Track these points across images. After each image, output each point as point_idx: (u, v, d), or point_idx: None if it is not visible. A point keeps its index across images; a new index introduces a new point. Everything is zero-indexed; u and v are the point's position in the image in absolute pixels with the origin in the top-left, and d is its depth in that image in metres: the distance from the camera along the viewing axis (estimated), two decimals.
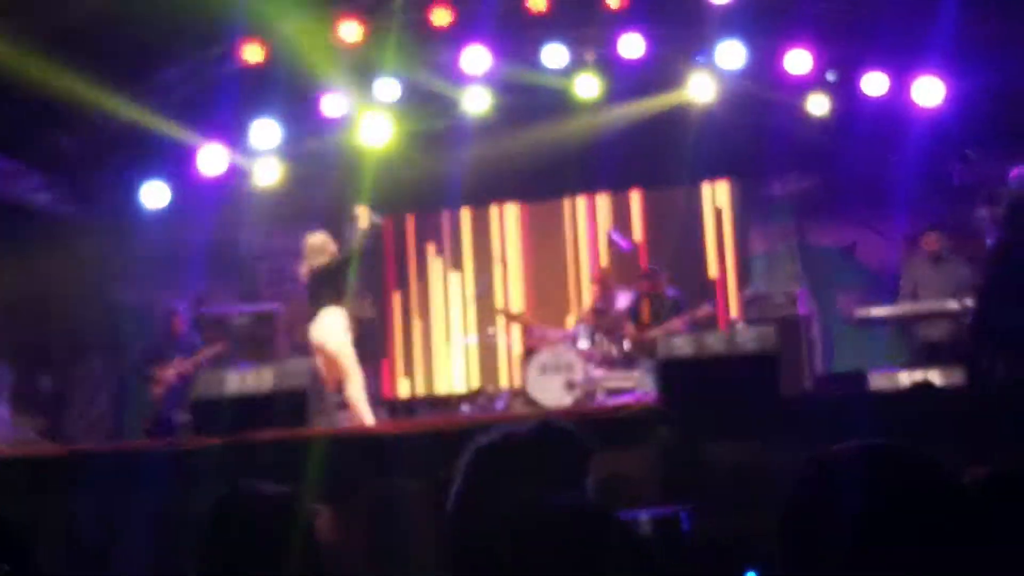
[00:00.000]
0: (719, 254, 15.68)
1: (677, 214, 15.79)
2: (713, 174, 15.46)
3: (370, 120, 14.00)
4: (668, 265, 14.04)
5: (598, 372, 12.66)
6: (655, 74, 14.15)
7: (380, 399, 15.09)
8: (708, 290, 15.17)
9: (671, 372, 8.46)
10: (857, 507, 1.83)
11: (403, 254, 16.57)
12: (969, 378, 8.52)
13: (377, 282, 16.22)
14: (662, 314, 12.99)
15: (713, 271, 15.62)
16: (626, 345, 13.01)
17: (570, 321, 15.14)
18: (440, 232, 16.55)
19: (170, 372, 13.27)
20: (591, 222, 16.08)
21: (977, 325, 8.53)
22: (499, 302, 15.58)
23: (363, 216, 11.17)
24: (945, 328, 11.73)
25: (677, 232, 15.72)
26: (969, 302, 9.59)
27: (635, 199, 15.99)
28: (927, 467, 1.89)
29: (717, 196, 15.81)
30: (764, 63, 13.78)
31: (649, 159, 15.07)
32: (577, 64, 14.09)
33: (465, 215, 16.45)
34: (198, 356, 13.27)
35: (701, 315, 13.04)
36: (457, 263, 16.44)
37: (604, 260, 15.55)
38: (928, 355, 11.74)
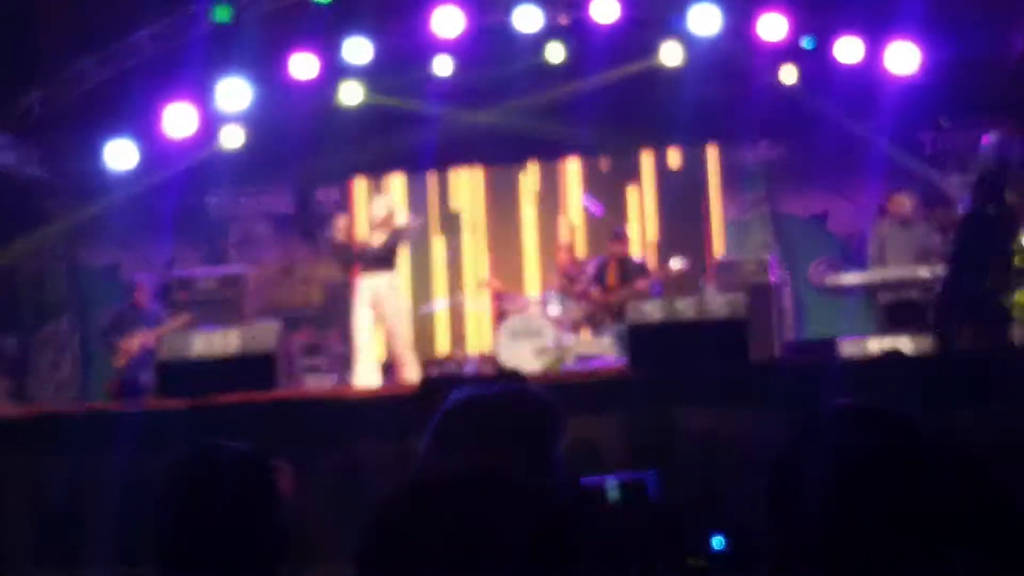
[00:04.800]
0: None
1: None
2: (685, 141, 15.45)
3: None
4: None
5: (568, 338, 12.67)
6: (628, 39, 14.13)
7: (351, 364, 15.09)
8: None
9: (641, 337, 8.48)
10: (846, 466, 1.86)
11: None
12: (937, 345, 8.57)
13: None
14: (629, 278, 13.00)
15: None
16: (589, 308, 13.03)
17: (529, 288, 15.17)
18: (409, 196, 16.52)
19: (133, 343, 13.21)
20: (559, 188, 16.10)
21: (945, 293, 8.58)
22: (467, 267, 15.58)
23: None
24: (915, 296, 11.79)
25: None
26: (939, 269, 9.65)
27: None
28: (912, 428, 1.91)
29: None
30: (738, 28, 13.77)
31: (621, 125, 15.06)
32: (550, 28, 14.08)
33: (432, 179, 16.40)
34: (162, 328, 13.19)
35: (675, 272, 13.02)
36: (425, 228, 16.43)
37: (575, 225, 15.55)
38: (897, 322, 11.79)
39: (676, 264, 13.01)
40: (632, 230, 14.91)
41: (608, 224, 15.08)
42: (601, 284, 13.12)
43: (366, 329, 11.00)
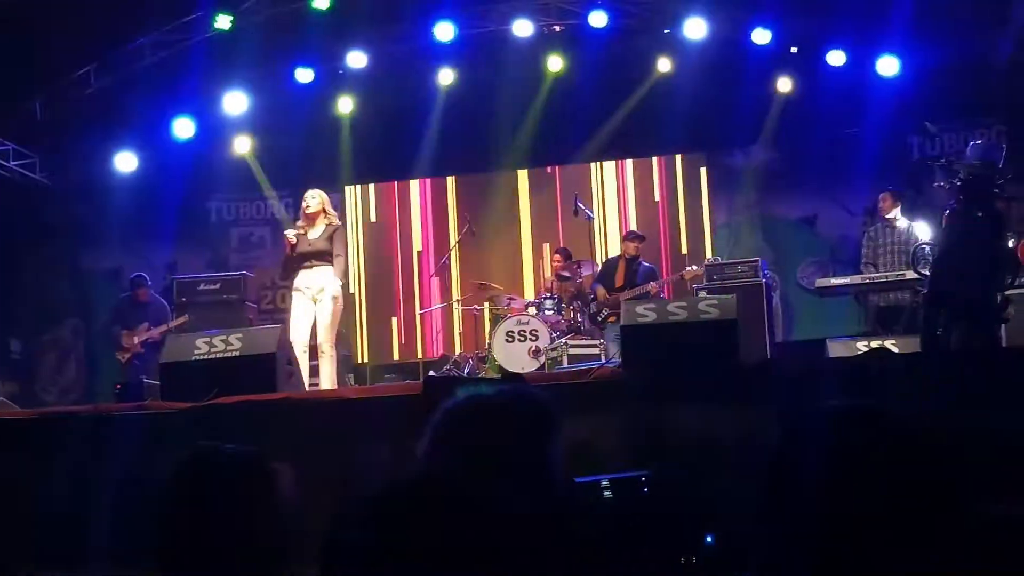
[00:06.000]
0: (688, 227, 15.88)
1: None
2: (677, 146, 15.56)
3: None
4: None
5: (563, 339, 12.75)
6: (622, 47, 14.25)
7: (349, 365, 15.18)
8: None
9: (633, 339, 8.57)
10: (837, 465, 1.92)
11: (370, 222, 16.65)
12: (923, 346, 8.65)
13: (343, 250, 16.29)
14: (635, 280, 13.11)
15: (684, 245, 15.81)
16: (593, 307, 13.13)
17: (527, 291, 15.27)
18: (405, 201, 16.62)
19: (135, 340, 13.33)
20: (554, 193, 16.21)
21: (931, 294, 8.66)
22: (464, 271, 15.68)
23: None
24: (903, 297, 11.88)
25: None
26: (926, 271, 9.74)
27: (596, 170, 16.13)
28: (902, 427, 1.97)
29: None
30: (729, 36, 13.90)
31: (614, 131, 15.19)
32: (545, 36, 14.22)
33: (429, 185, 16.52)
34: (164, 327, 13.31)
35: (689, 277, 13.14)
36: (423, 232, 16.53)
37: (565, 228, 15.72)
38: (885, 324, 11.89)
39: (691, 271, 13.15)
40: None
41: (599, 228, 15.28)
42: (607, 284, 13.23)
43: (303, 324, 10.84)
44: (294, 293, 11.01)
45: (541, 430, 2.69)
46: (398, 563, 1.72)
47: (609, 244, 15.74)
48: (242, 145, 15.47)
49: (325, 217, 11.07)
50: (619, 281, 13.18)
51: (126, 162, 15.21)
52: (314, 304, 10.83)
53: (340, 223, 11.30)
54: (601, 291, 13.16)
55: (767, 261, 13.90)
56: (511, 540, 1.78)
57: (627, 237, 13.69)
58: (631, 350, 8.56)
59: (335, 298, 10.87)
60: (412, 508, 1.79)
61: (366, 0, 13.99)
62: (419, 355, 15.89)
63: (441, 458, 2.61)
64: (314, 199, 11.12)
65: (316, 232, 10.97)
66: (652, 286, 12.93)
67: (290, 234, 11.02)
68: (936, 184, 9.82)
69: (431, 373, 13.17)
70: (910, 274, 10.96)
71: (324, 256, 10.90)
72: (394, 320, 16.49)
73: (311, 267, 10.89)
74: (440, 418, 2.67)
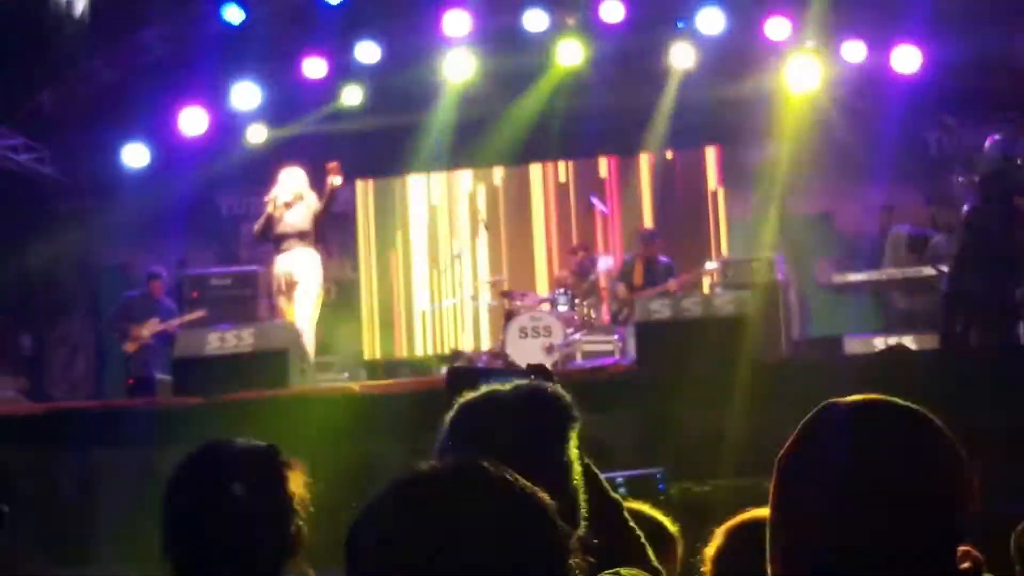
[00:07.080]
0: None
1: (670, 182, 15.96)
2: (693, 141, 15.49)
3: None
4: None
5: (577, 336, 12.71)
6: (636, 40, 14.18)
7: (360, 361, 15.15)
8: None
9: (648, 335, 8.54)
10: (852, 462, 1.89)
11: (381, 216, 16.61)
12: (942, 343, 8.61)
13: (354, 244, 16.27)
14: (655, 278, 13.07)
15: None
16: (615, 306, 13.09)
17: (540, 286, 15.21)
18: (416, 195, 16.58)
19: (144, 332, 13.25)
20: (564, 188, 16.16)
21: (950, 291, 8.62)
22: (477, 266, 15.63)
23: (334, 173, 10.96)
24: (921, 295, 11.82)
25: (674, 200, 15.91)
26: (944, 268, 9.67)
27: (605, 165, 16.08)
28: (919, 423, 1.95)
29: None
30: (744, 30, 13.83)
31: (629, 126, 15.13)
32: (558, 29, 14.15)
33: (441, 179, 16.47)
34: (176, 321, 13.27)
35: (706, 273, 13.10)
36: (435, 227, 16.48)
37: (579, 224, 15.67)
38: (904, 321, 11.83)
39: (711, 266, 13.10)
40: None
41: (616, 224, 15.22)
42: (627, 282, 13.19)
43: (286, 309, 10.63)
44: (274, 289, 10.86)
45: (560, 427, 2.62)
46: (422, 554, 1.66)
47: (623, 239, 15.66)
48: (260, 134, 15.42)
49: (303, 199, 10.88)
50: (638, 280, 13.13)
51: (135, 156, 15.16)
52: (292, 299, 10.62)
53: (320, 203, 11.03)
54: (622, 289, 13.11)
55: (783, 257, 13.84)
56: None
57: (643, 236, 13.66)
58: (646, 346, 8.53)
59: (316, 290, 10.70)
60: (436, 498, 1.73)
61: None
62: (431, 351, 15.86)
63: (457, 454, 2.47)
64: (293, 181, 10.89)
65: (295, 213, 10.77)
66: (672, 283, 12.90)
67: (269, 207, 10.81)
68: (955, 180, 9.77)
69: (445, 368, 13.11)
70: (927, 271, 10.90)
71: (304, 236, 10.72)
72: (405, 316, 16.45)
73: (289, 249, 10.70)
74: (456, 414, 2.61)
